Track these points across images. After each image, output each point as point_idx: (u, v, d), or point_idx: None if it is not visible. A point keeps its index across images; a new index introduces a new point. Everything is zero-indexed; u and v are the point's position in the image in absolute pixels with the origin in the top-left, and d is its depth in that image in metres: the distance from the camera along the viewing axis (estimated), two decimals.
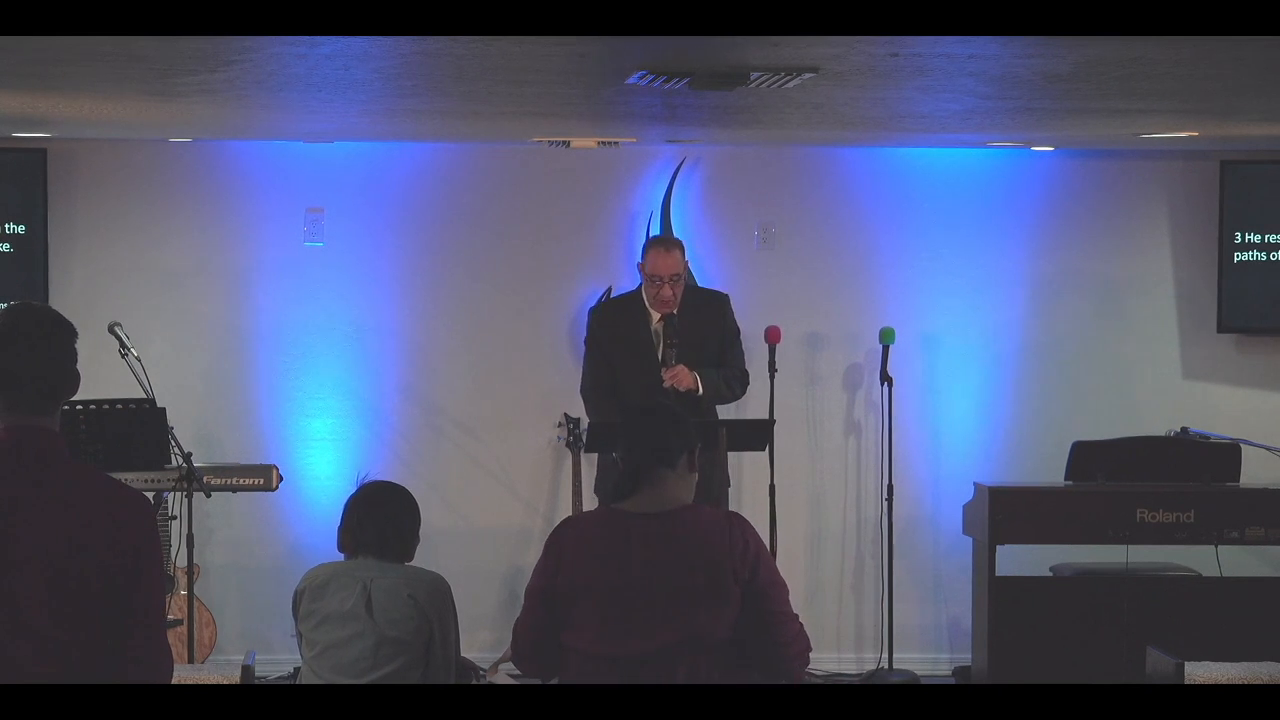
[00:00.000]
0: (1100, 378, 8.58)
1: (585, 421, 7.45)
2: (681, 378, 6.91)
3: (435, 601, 4.96)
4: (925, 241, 8.51)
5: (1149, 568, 7.77)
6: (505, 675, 7.90)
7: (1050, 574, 7.90)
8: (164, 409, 7.01)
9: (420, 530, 5.12)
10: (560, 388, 8.11)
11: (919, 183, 8.51)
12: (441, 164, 8.39)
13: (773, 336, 7.89)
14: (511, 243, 8.44)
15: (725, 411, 7.39)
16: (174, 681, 3.29)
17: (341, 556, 5.08)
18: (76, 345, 3.30)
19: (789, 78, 5.27)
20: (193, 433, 7.76)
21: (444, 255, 8.43)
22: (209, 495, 7.11)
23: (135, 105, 6.42)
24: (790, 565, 8.00)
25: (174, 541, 7.35)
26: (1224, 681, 5.36)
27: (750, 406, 8.02)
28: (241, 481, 7.21)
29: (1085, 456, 7.65)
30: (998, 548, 7.59)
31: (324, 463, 8.34)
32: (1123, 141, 7.99)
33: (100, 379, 6.65)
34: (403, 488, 5.16)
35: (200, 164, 8.31)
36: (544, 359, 8.39)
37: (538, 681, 4.56)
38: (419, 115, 6.75)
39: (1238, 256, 8.37)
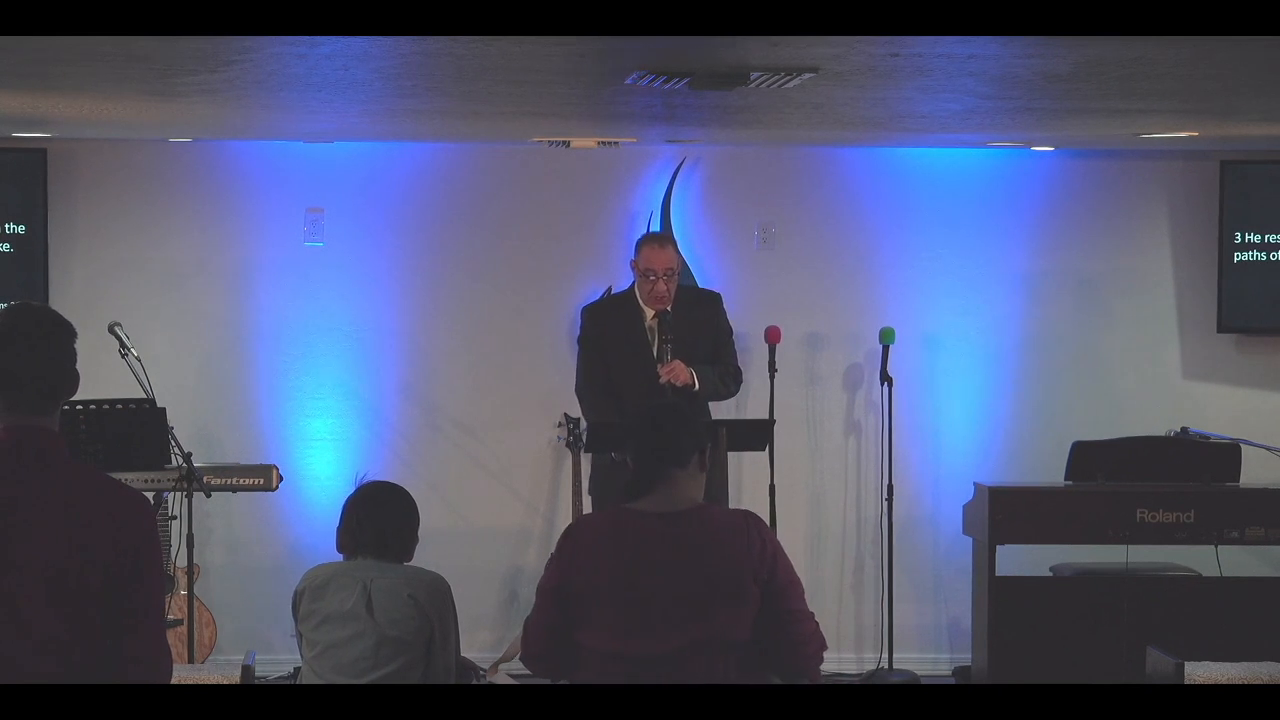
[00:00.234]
0: (1100, 378, 8.58)
1: (585, 422, 7.44)
2: (678, 373, 6.91)
3: (435, 601, 4.96)
4: (925, 241, 8.51)
5: (1149, 568, 7.76)
6: (505, 675, 7.90)
7: (1050, 574, 7.90)
8: (164, 409, 7.01)
9: (420, 530, 5.12)
10: (560, 388, 8.10)
11: (919, 183, 8.51)
12: (441, 164, 8.39)
13: (773, 336, 7.90)
14: (511, 243, 8.44)
15: (725, 411, 7.39)
16: (174, 681, 3.29)
17: (340, 557, 5.08)
18: (76, 345, 3.30)
19: (789, 78, 5.27)
20: (193, 433, 7.76)
21: (444, 255, 8.43)
22: (209, 495, 7.10)
23: (135, 105, 6.42)
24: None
25: (174, 541, 7.35)
26: (1224, 681, 5.35)
27: (750, 406, 8.03)
28: (241, 481, 7.21)
29: (1085, 456, 7.65)
30: (998, 548, 7.58)
31: (324, 463, 8.34)
32: (1123, 141, 7.99)
33: (100, 379, 6.64)
34: (401, 488, 5.15)
35: (200, 164, 8.31)
36: (544, 359, 8.39)
37: (542, 681, 4.55)
38: (419, 115, 6.74)
39: (1238, 256, 8.37)
